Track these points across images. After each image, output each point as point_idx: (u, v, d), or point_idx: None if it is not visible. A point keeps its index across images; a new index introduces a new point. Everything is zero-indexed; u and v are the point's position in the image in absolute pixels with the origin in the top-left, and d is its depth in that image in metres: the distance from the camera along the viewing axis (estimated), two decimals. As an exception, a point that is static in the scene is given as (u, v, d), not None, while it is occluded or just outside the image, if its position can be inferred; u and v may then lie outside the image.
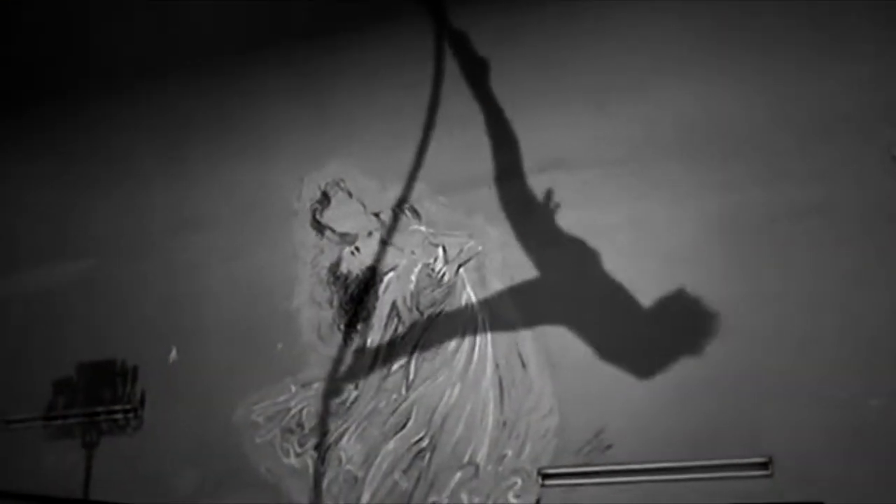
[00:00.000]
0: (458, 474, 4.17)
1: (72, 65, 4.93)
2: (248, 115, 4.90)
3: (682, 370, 3.88)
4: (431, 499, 4.18)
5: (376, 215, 4.69)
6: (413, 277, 4.51)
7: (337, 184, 4.80)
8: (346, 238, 4.73)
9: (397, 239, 4.62)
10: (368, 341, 4.54)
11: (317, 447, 4.45)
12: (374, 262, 4.63)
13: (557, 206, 4.29)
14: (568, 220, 4.26)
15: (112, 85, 4.99)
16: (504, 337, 4.26)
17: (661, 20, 4.12)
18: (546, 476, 4.01)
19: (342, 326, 4.60)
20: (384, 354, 4.49)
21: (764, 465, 3.66)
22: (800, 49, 3.95)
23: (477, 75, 4.46)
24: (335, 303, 4.65)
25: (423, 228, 4.57)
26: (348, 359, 4.55)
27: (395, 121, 4.59)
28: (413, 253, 4.55)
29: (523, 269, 4.30)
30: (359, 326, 4.57)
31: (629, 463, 3.85)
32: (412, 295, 4.49)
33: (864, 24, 3.85)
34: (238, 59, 4.76)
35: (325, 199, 4.81)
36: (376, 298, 4.57)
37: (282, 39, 4.63)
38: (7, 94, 5.10)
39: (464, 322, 4.35)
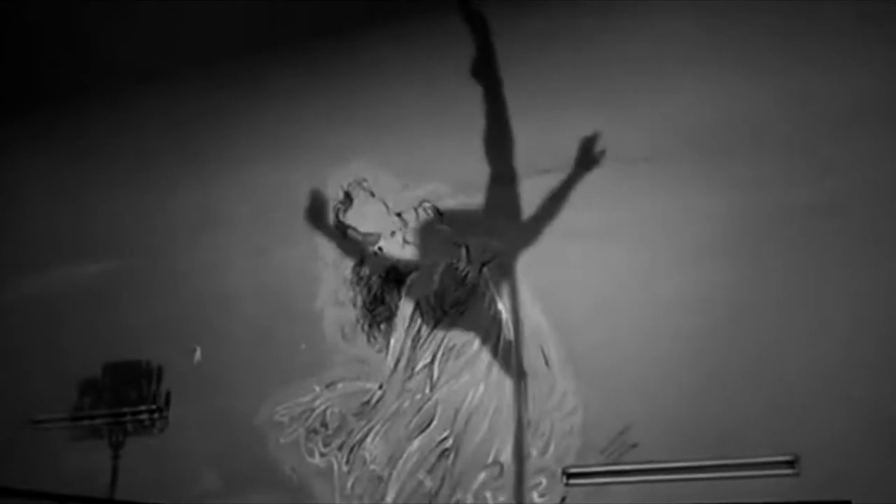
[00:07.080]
0: (483, 474, 4.18)
1: (87, 63, 4.96)
2: (271, 115, 4.93)
3: (707, 368, 3.88)
4: (456, 498, 4.19)
5: (398, 215, 4.71)
6: (436, 277, 4.53)
7: (359, 184, 4.81)
8: (368, 238, 4.75)
9: (420, 238, 4.63)
10: (392, 341, 4.56)
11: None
12: (397, 262, 4.65)
13: (579, 204, 4.29)
14: (589, 219, 4.26)
15: (132, 83, 5.03)
16: (527, 335, 4.26)
17: (675, 18, 4.13)
18: (571, 475, 4.01)
19: (366, 326, 4.62)
20: (408, 354, 4.50)
21: (790, 464, 3.65)
22: (812, 47, 3.94)
23: (493, 75, 4.47)
24: (358, 303, 4.67)
25: (445, 228, 4.58)
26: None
27: (416, 120, 4.61)
28: (436, 252, 4.57)
29: (545, 268, 4.31)
30: (382, 326, 4.59)
31: (654, 462, 3.85)
32: (436, 294, 4.51)
33: (876, 22, 3.84)
34: (260, 58, 4.79)
35: (347, 199, 4.81)
36: (399, 298, 4.59)
37: (304, 38, 4.66)
38: (24, 93, 5.14)
39: (487, 321, 4.36)
